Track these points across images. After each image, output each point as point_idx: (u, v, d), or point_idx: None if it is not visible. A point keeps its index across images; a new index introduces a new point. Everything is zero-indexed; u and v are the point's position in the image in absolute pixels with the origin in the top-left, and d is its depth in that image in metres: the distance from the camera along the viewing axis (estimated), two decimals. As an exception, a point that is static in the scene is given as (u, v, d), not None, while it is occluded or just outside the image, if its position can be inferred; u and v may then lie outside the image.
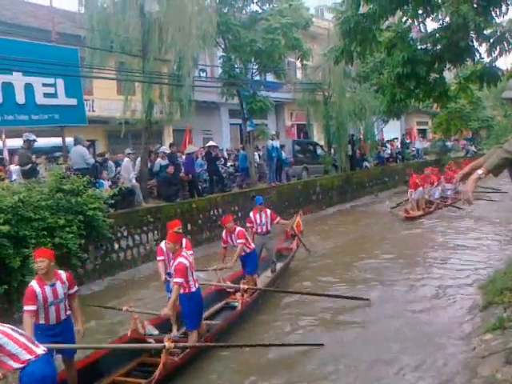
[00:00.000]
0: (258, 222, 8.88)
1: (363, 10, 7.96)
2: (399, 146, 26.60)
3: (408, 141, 28.85)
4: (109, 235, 9.54)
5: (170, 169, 12.24)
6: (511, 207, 15.10)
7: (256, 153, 16.87)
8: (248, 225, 9.00)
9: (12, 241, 7.45)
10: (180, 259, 5.60)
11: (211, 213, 12.84)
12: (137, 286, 9.37)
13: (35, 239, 7.74)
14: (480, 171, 3.30)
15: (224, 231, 7.91)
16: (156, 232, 11.11)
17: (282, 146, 17.13)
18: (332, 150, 20.39)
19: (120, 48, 11.58)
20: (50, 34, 12.44)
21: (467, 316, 6.55)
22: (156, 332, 5.98)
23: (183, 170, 13.08)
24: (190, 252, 6.55)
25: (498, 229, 12.47)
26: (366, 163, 22.41)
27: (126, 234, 10.41)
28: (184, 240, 6.56)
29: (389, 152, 25.09)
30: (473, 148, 31.44)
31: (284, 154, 16.95)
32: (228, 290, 7.60)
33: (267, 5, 15.50)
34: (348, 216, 16.87)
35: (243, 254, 7.72)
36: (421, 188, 15.76)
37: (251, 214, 9.04)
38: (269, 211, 9.08)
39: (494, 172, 3.32)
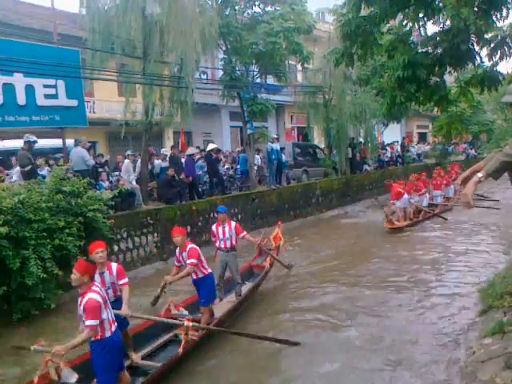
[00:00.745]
0: (221, 236, 7.56)
1: (364, 12, 7.98)
2: (399, 150, 26.64)
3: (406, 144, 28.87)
4: (109, 236, 9.52)
5: (171, 171, 12.24)
6: (507, 213, 14.83)
7: (257, 156, 16.86)
8: (212, 239, 7.91)
9: (11, 242, 7.43)
10: (90, 295, 4.42)
11: (211, 215, 12.83)
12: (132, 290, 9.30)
13: (35, 240, 7.72)
14: (480, 174, 3.33)
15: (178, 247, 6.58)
16: (156, 234, 11.11)
17: (282, 149, 17.14)
18: (332, 153, 20.39)
19: (121, 50, 11.59)
20: (51, 36, 12.48)
21: (467, 320, 6.54)
22: (74, 379, 4.71)
23: (184, 171, 13.08)
24: (124, 281, 5.46)
25: (495, 234, 12.42)
26: (366, 166, 22.41)
27: (125, 235, 10.40)
28: (115, 266, 5.48)
29: (389, 155, 25.10)
30: (473, 152, 31.43)
31: (284, 157, 16.96)
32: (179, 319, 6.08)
33: (269, 7, 15.51)
34: (335, 224, 15.97)
35: (195, 277, 6.38)
36: (406, 195, 14.48)
37: (213, 227, 7.75)
38: (233, 224, 7.73)
39: (494, 175, 3.34)
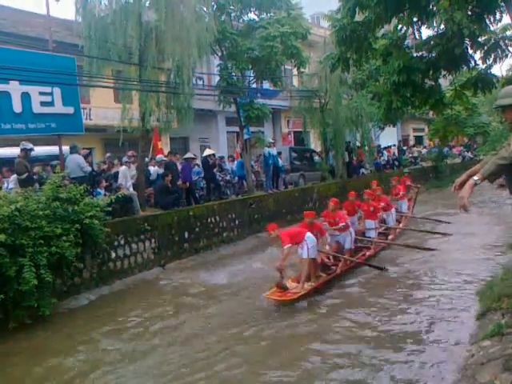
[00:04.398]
0: None
1: (359, 17, 8.03)
2: (396, 153, 26.76)
3: (404, 147, 28.97)
4: (104, 244, 9.43)
5: (168, 177, 12.23)
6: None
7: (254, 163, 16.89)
8: None
9: (8, 250, 7.40)
10: None
11: (208, 220, 12.82)
12: (129, 297, 9.28)
13: (32, 248, 7.69)
14: (476, 177, 3.35)
15: None
16: (153, 240, 11.07)
17: (279, 154, 17.16)
18: (329, 157, 20.43)
19: (117, 56, 11.60)
20: (47, 43, 12.47)
21: (465, 322, 6.53)
22: None
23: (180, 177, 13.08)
24: None
25: (491, 238, 12.32)
26: (362, 170, 22.46)
27: (123, 242, 10.36)
28: None
29: (385, 158, 25.18)
30: (469, 154, 31.54)
31: (280, 162, 16.98)
32: None
33: (264, 14, 15.58)
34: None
35: None
36: (309, 234, 8.09)
37: None
38: None
39: (490, 178, 3.36)
